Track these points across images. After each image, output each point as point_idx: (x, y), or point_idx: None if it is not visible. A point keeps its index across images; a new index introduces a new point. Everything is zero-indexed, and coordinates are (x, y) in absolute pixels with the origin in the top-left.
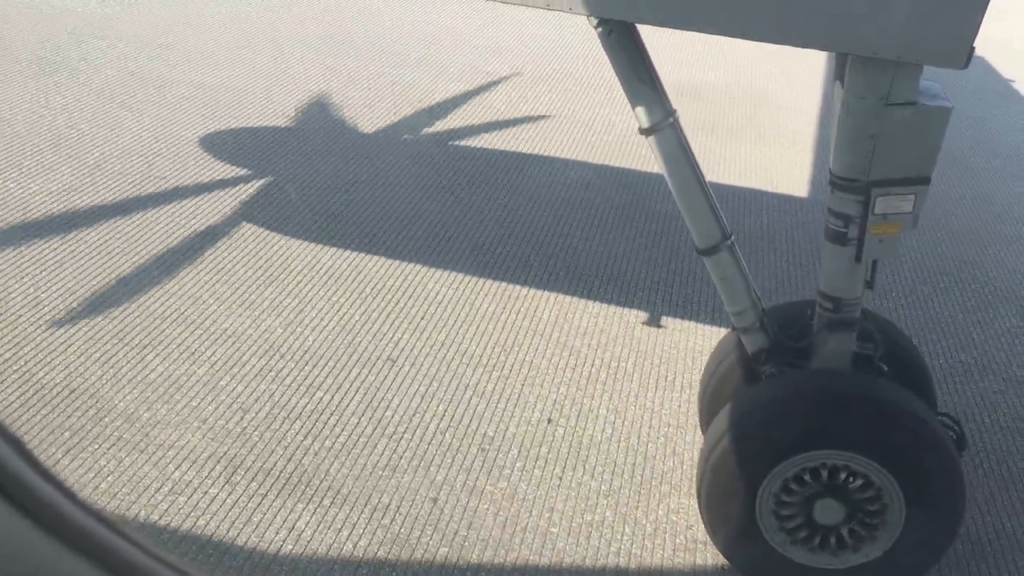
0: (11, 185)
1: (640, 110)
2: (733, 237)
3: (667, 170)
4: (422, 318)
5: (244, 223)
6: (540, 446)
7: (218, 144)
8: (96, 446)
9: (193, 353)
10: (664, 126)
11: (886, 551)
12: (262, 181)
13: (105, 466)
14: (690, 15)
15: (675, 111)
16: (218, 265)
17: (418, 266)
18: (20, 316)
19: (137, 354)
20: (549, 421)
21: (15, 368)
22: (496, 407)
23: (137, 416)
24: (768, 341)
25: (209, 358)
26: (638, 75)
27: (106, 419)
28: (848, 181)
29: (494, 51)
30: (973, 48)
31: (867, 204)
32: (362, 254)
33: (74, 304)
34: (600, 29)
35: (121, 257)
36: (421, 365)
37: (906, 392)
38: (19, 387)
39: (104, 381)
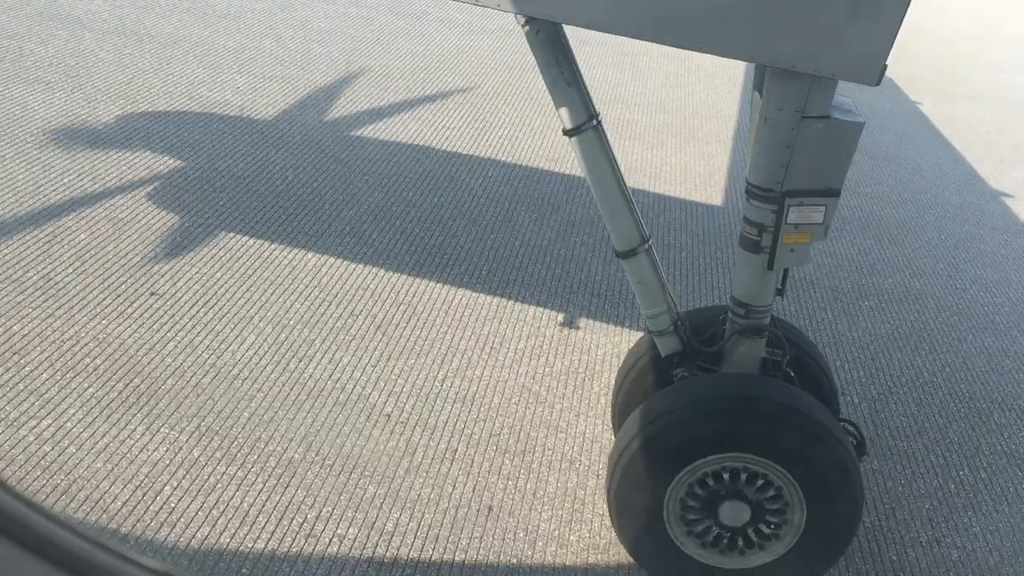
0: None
1: (564, 111)
2: (651, 241)
3: (588, 172)
4: None
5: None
6: None
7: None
8: None
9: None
10: (587, 128)
11: (787, 551)
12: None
13: None
14: (615, 19)
15: (599, 114)
16: (537, 370)
17: None
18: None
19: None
20: None
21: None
22: None
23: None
24: (681, 345)
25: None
26: (563, 76)
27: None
28: (763, 190)
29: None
30: (886, 66)
31: (780, 213)
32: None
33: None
34: (527, 28)
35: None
36: None
37: (810, 397)
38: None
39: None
